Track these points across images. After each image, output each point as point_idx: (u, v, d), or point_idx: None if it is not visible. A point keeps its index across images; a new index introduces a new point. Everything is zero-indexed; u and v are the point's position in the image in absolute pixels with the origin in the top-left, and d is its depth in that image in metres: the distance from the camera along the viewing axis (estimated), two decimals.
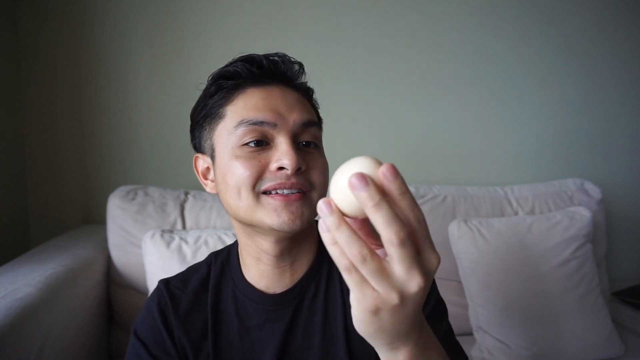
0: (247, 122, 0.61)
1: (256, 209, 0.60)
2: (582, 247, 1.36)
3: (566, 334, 1.28)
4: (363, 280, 0.37)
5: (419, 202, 1.48)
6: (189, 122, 0.71)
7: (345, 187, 0.36)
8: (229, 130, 0.62)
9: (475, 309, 1.34)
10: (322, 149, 0.67)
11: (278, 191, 0.59)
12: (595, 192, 1.58)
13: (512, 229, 1.37)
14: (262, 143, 0.61)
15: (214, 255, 0.74)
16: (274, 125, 0.61)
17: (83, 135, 1.58)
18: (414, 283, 0.36)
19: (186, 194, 1.43)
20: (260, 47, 0.76)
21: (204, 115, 0.66)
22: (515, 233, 1.36)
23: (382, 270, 0.36)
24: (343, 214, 0.37)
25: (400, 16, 1.68)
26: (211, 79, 0.67)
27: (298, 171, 0.60)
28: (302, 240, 0.67)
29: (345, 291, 0.44)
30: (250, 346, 0.67)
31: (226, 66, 0.66)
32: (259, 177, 0.60)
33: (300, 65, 0.68)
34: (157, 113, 1.59)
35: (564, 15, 1.75)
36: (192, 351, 0.67)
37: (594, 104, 1.81)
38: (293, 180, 0.59)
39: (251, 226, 0.63)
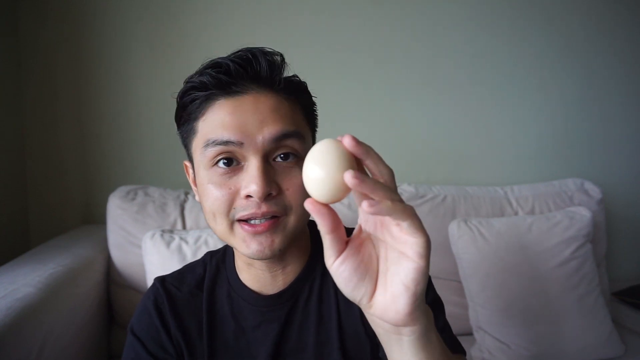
0: (212, 142, 0.57)
1: (230, 235, 0.59)
2: (582, 247, 1.36)
3: (566, 334, 1.28)
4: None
5: (418, 202, 1.48)
6: None
7: (315, 178, 0.39)
8: (200, 150, 0.59)
9: (475, 309, 1.34)
10: None
11: (250, 220, 0.57)
12: (595, 192, 1.58)
13: (512, 229, 1.37)
14: (233, 162, 0.57)
15: (210, 255, 0.74)
16: (241, 145, 0.56)
17: (83, 135, 1.58)
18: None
19: (186, 194, 1.43)
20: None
21: (181, 127, 0.64)
22: (515, 233, 1.36)
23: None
24: (319, 202, 0.40)
25: (400, 16, 1.68)
26: (182, 89, 0.62)
27: (269, 196, 0.56)
28: (294, 244, 0.65)
29: (339, 291, 0.43)
30: (245, 347, 0.67)
31: (195, 75, 0.61)
32: (231, 205, 0.57)
33: (281, 57, 0.61)
34: (157, 113, 1.59)
35: (564, 15, 1.75)
36: (187, 350, 0.66)
37: (594, 104, 1.80)
38: (264, 209, 0.56)
39: None
